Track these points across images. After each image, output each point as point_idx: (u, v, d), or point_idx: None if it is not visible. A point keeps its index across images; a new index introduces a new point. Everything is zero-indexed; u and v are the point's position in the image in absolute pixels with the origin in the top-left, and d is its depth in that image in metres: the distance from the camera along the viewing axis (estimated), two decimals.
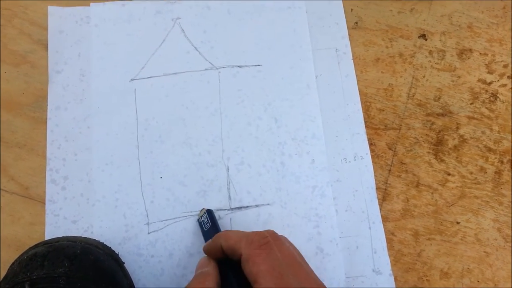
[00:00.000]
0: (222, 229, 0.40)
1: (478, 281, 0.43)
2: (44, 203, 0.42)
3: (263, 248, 0.31)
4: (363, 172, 0.45)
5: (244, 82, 0.46)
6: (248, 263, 0.31)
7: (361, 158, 0.45)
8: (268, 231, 0.34)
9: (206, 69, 0.46)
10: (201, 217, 0.41)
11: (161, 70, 0.45)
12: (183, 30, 0.46)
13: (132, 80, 0.45)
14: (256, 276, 0.30)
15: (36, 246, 0.37)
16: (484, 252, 0.44)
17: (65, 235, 0.40)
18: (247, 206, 0.43)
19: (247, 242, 0.32)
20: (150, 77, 0.45)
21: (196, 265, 0.37)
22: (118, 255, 0.40)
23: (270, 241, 0.32)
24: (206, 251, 0.36)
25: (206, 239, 0.39)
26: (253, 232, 0.34)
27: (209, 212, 0.41)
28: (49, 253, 0.35)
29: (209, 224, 0.40)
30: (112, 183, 0.43)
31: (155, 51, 0.46)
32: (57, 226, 0.41)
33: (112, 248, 0.40)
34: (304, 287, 0.30)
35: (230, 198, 0.43)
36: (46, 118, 0.44)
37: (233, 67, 0.46)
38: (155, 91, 0.45)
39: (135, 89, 0.45)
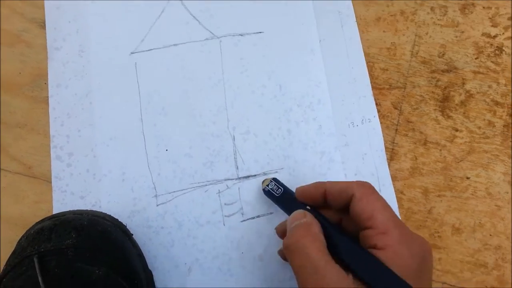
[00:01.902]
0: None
1: (490, 235, 0.42)
2: (49, 182, 0.41)
3: (373, 189, 0.33)
4: (371, 135, 0.44)
5: (246, 50, 0.45)
6: (363, 201, 0.32)
7: (369, 121, 0.44)
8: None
9: (206, 39, 0.45)
10: (267, 185, 0.40)
11: (161, 42, 0.45)
12: None
13: (132, 53, 0.44)
14: (373, 212, 0.31)
15: (42, 220, 0.37)
16: (496, 205, 0.43)
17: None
18: (255, 175, 0.42)
19: (358, 184, 0.33)
20: (150, 49, 0.44)
21: (206, 234, 0.38)
22: (126, 226, 0.39)
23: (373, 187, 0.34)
24: (301, 194, 0.37)
25: (281, 205, 0.39)
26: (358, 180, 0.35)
27: (276, 180, 0.40)
28: (55, 226, 0.35)
29: (280, 189, 0.39)
30: (118, 158, 0.42)
31: (154, 23, 0.45)
32: (64, 202, 0.41)
33: (121, 221, 0.39)
34: (412, 232, 0.32)
35: (237, 168, 0.43)
36: (45, 97, 0.43)
37: (234, 35, 0.45)
38: (156, 63, 0.44)
39: (135, 63, 0.44)
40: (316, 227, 0.33)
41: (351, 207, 0.33)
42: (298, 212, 0.35)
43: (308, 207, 0.36)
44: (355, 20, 0.46)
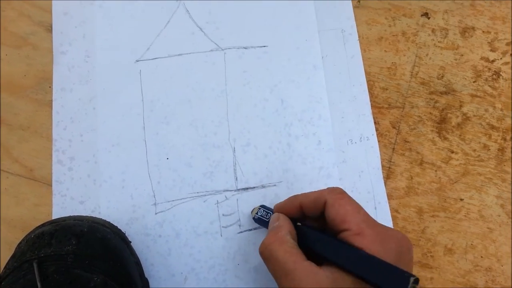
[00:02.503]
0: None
1: (481, 257, 0.43)
2: (49, 185, 0.42)
3: (344, 194, 0.34)
4: (369, 153, 0.44)
5: (249, 63, 0.46)
6: (335, 206, 0.33)
7: (367, 139, 0.45)
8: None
9: (211, 50, 0.45)
10: (257, 213, 0.41)
11: (166, 51, 0.45)
12: (187, 11, 0.46)
13: (137, 61, 0.45)
14: (345, 216, 0.32)
15: (43, 225, 0.37)
16: (488, 228, 0.44)
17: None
18: (254, 187, 0.43)
19: (329, 190, 0.35)
20: (155, 58, 0.45)
21: (203, 244, 0.40)
22: (124, 234, 0.40)
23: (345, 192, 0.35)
24: (280, 210, 0.38)
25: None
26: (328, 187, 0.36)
27: (264, 206, 0.41)
28: (56, 231, 0.35)
29: (270, 213, 0.40)
30: (119, 164, 0.43)
31: (160, 32, 0.45)
32: (64, 206, 0.41)
33: (120, 228, 0.40)
34: (388, 229, 0.33)
35: (236, 179, 0.43)
36: (49, 100, 0.44)
37: (238, 48, 0.46)
38: (160, 72, 0.45)
39: (140, 70, 0.45)
40: (283, 230, 0.34)
41: (326, 214, 0.34)
42: (273, 216, 0.37)
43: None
44: (357, 39, 0.46)
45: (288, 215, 0.37)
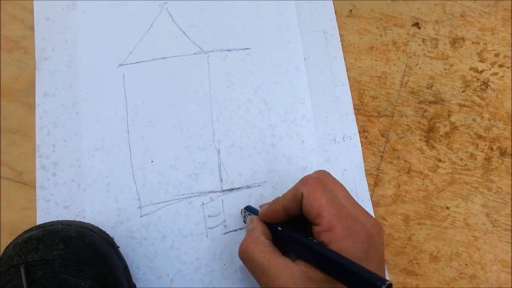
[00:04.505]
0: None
1: (466, 264, 0.44)
2: None
3: (319, 183, 0.34)
4: (351, 152, 0.45)
5: (233, 65, 0.46)
6: (309, 200, 0.33)
7: (350, 138, 0.45)
8: (316, 171, 0.36)
9: (195, 53, 0.46)
10: (244, 217, 0.41)
11: (150, 55, 0.45)
12: (170, 14, 0.46)
13: (120, 65, 0.45)
14: (318, 210, 0.33)
15: (31, 230, 0.37)
16: (473, 236, 0.45)
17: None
18: (239, 188, 0.43)
19: (302, 182, 0.35)
20: (139, 62, 0.45)
21: (189, 246, 0.41)
22: (113, 239, 0.40)
23: (320, 177, 0.35)
24: (265, 217, 0.37)
25: None
26: (302, 178, 0.35)
27: (248, 208, 0.41)
28: (44, 236, 0.35)
29: (256, 211, 0.40)
30: (103, 168, 0.43)
31: (142, 36, 0.46)
32: (48, 212, 0.41)
33: (108, 233, 0.40)
34: (360, 217, 0.33)
35: (221, 180, 0.43)
36: None
37: (222, 51, 0.46)
38: (144, 76, 0.45)
39: (123, 74, 0.45)
40: (257, 231, 0.36)
41: (302, 208, 0.34)
42: (248, 219, 0.39)
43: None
44: (339, 40, 0.47)
45: (273, 220, 0.37)
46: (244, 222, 0.41)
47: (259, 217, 0.38)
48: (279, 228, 0.36)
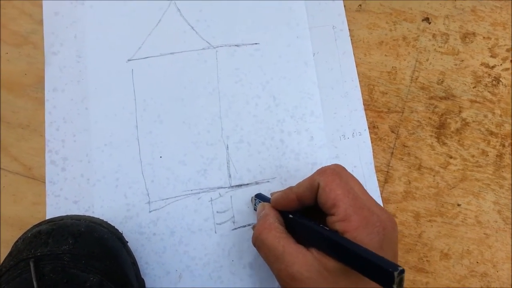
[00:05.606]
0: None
1: (477, 262, 0.44)
2: None
3: (335, 174, 0.34)
4: (361, 148, 0.45)
5: (241, 60, 0.46)
6: (325, 190, 0.33)
7: (359, 134, 0.45)
8: (333, 164, 0.37)
9: (203, 49, 0.46)
10: (255, 204, 0.41)
11: (158, 50, 0.45)
12: (179, 9, 0.46)
13: (129, 60, 0.45)
14: (335, 200, 0.33)
15: (40, 224, 0.37)
16: (484, 234, 0.44)
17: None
18: (247, 184, 0.43)
19: (319, 173, 0.35)
20: (147, 57, 0.45)
21: (197, 241, 0.41)
22: (121, 234, 0.40)
23: (337, 169, 0.35)
24: (277, 205, 0.38)
25: None
26: (319, 168, 0.36)
27: (259, 196, 0.41)
28: (53, 230, 0.35)
29: (267, 199, 0.40)
30: (112, 163, 0.43)
31: (151, 31, 0.46)
32: (57, 206, 0.41)
33: (117, 228, 0.40)
34: (375, 210, 0.33)
35: (230, 176, 0.43)
36: None
37: (230, 46, 0.46)
38: (152, 71, 0.45)
39: (132, 70, 0.45)
40: (270, 218, 0.36)
41: (318, 198, 0.34)
42: (259, 206, 0.39)
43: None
44: (348, 34, 0.47)
45: (285, 208, 0.37)
46: (255, 209, 0.41)
47: (271, 204, 0.38)
48: (290, 216, 0.36)
